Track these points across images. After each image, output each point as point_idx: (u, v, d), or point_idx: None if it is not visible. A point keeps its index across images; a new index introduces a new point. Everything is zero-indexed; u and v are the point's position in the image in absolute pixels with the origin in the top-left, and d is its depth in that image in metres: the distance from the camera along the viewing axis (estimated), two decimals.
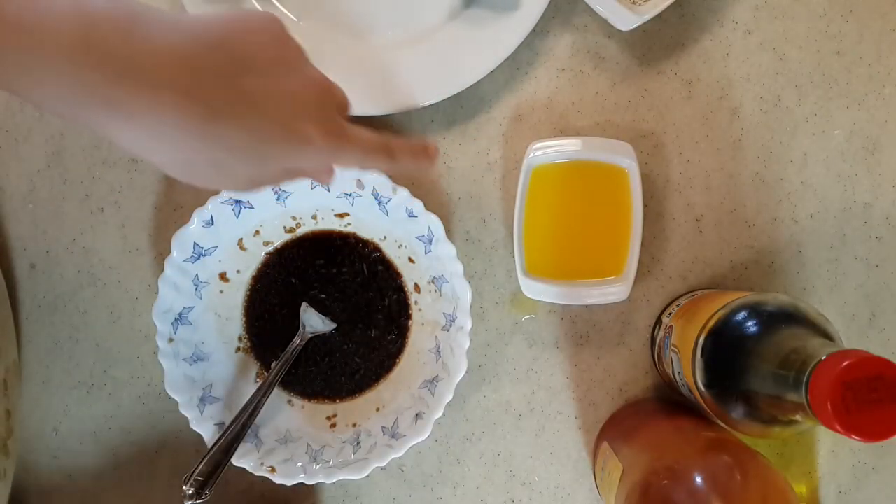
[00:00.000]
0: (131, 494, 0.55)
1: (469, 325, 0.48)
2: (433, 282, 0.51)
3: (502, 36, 0.51)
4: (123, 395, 0.55)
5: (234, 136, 0.32)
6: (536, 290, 0.50)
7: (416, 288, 0.52)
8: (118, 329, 0.55)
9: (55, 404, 0.55)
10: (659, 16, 0.49)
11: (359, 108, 0.51)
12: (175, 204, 0.54)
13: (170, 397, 0.49)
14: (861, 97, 0.53)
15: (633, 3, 0.50)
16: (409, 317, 0.52)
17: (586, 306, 0.53)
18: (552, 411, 0.54)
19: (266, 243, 0.52)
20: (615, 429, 0.52)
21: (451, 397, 0.48)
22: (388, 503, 0.54)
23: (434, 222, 0.48)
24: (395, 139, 0.39)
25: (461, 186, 0.54)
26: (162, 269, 0.49)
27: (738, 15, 0.53)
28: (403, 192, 0.48)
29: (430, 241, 0.49)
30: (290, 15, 0.53)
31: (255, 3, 0.52)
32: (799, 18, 0.53)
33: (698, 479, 0.40)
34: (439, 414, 0.48)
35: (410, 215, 0.49)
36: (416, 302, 0.52)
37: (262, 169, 0.35)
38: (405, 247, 0.51)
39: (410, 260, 0.51)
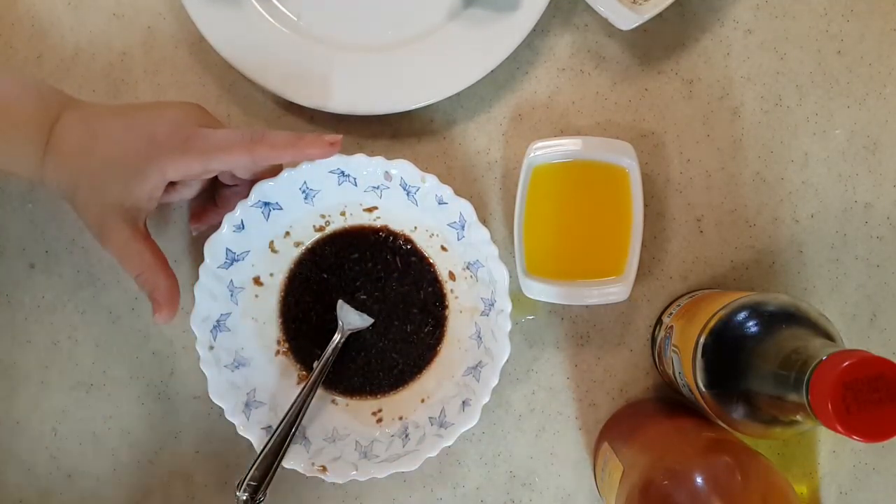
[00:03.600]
0: (131, 494, 0.55)
1: (509, 308, 0.47)
2: (468, 268, 0.50)
3: (502, 36, 0.51)
4: (122, 395, 0.55)
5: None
6: (536, 290, 0.50)
7: (451, 276, 0.51)
8: (117, 329, 0.55)
9: (54, 405, 0.55)
10: (659, 15, 0.49)
11: (359, 107, 0.51)
12: (173, 204, 0.54)
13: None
14: (862, 97, 0.53)
15: (634, 2, 0.49)
16: (445, 306, 0.52)
17: (586, 306, 0.53)
18: (552, 412, 0.54)
19: (297, 244, 0.52)
20: (616, 429, 0.52)
21: (497, 381, 0.47)
22: (388, 503, 0.54)
23: (465, 207, 0.48)
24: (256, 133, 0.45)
25: (461, 186, 0.54)
26: None
27: (738, 14, 0.53)
28: (432, 180, 0.48)
29: (463, 227, 0.48)
30: (290, 14, 0.53)
31: (254, 2, 0.52)
32: (800, 18, 0.53)
33: (699, 480, 0.40)
34: (486, 399, 0.47)
35: (440, 203, 0.48)
36: (451, 290, 0.52)
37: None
38: (437, 235, 0.51)
39: (443, 248, 0.51)
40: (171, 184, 0.48)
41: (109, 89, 0.55)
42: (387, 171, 0.48)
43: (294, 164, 0.47)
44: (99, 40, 0.55)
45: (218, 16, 0.51)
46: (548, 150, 0.49)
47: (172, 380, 0.54)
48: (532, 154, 0.49)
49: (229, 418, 0.48)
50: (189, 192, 0.49)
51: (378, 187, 0.49)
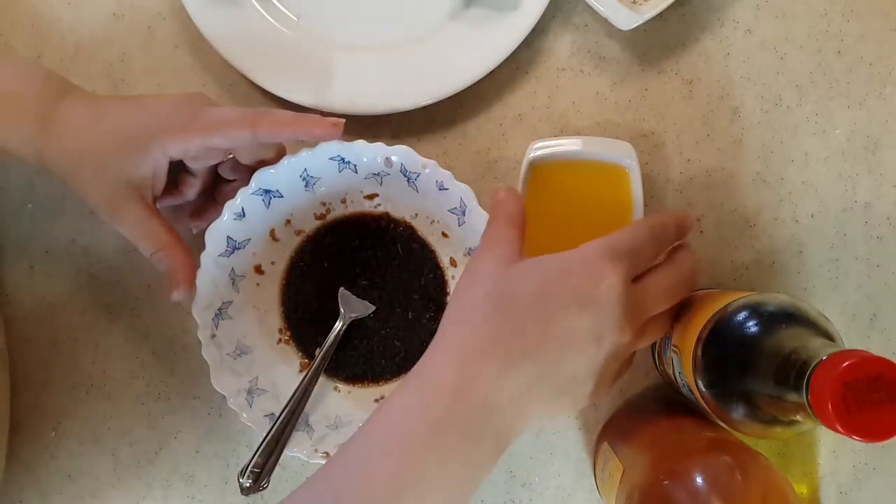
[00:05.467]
0: (130, 495, 0.55)
1: None
2: (469, 254, 0.50)
3: (502, 36, 0.51)
4: (122, 395, 0.55)
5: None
6: None
7: (453, 262, 0.51)
8: (118, 329, 0.55)
9: (54, 405, 0.55)
10: (659, 15, 0.49)
11: (359, 107, 0.51)
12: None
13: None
14: (862, 97, 0.53)
15: (634, 2, 0.49)
16: (446, 292, 0.52)
17: None
18: None
19: (298, 232, 0.52)
20: (616, 429, 0.52)
21: None
22: None
23: (465, 192, 0.47)
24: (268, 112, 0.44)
25: None
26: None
27: (738, 14, 0.53)
28: (432, 165, 0.47)
29: (463, 213, 0.48)
30: (290, 14, 0.53)
31: (254, 2, 0.52)
32: (800, 18, 0.53)
33: (699, 480, 0.40)
34: None
35: (441, 188, 0.48)
36: (453, 277, 0.51)
37: None
38: (438, 221, 0.51)
39: (444, 235, 0.51)
40: (175, 185, 0.48)
41: (109, 89, 0.54)
42: (387, 158, 0.48)
43: (295, 150, 0.47)
44: (99, 40, 0.55)
45: (218, 16, 0.51)
46: (548, 149, 0.49)
47: (172, 380, 0.54)
48: (532, 154, 0.49)
49: (231, 406, 0.48)
50: (191, 191, 0.49)
51: (378, 174, 0.49)
